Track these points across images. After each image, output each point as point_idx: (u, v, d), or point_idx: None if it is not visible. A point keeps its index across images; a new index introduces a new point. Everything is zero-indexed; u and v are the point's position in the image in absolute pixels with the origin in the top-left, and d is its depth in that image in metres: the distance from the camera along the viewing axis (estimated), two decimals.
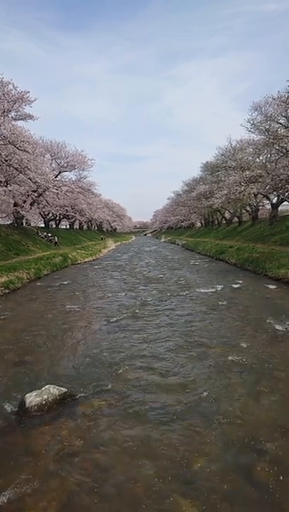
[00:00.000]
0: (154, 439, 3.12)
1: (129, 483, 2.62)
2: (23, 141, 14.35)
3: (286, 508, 2.36)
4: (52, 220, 31.13)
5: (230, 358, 4.93)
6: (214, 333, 6.14)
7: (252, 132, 16.99)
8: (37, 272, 13.91)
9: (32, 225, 28.81)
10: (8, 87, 13.99)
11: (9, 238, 18.40)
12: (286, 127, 15.34)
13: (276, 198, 21.83)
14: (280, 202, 21.86)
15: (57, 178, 23.08)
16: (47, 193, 20.87)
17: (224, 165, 24.48)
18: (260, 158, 19.73)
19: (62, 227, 37.22)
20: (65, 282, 12.78)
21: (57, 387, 3.87)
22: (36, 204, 22.28)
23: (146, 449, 3.00)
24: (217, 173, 27.40)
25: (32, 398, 3.67)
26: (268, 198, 22.84)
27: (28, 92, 14.41)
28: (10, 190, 16.06)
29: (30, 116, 15.63)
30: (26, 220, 25.58)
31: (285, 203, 21.76)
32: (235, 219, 31.67)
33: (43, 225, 30.54)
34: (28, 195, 19.57)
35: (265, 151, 18.58)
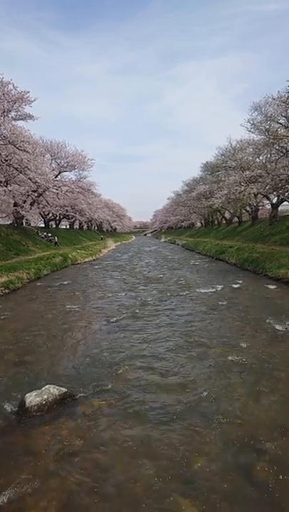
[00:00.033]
0: (154, 439, 3.12)
1: (129, 482, 2.62)
2: (23, 141, 14.36)
3: (286, 508, 2.36)
4: (52, 220, 31.14)
5: (230, 358, 4.93)
6: (214, 333, 6.14)
7: (252, 132, 17.02)
8: (37, 272, 13.92)
9: (32, 225, 28.82)
10: (8, 87, 14.01)
11: (9, 238, 18.41)
12: (286, 127, 15.35)
13: (276, 198, 21.84)
14: (280, 202, 21.87)
15: (57, 178, 23.09)
16: (47, 193, 20.88)
17: (224, 165, 24.49)
18: (260, 158, 19.74)
19: (62, 227, 37.23)
20: (65, 282, 12.78)
21: (57, 387, 3.87)
22: (36, 204, 22.29)
23: (147, 448, 3.01)
24: (217, 173, 27.40)
25: (32, 398, 3.67)
26: (268, 198, 22.85)
27: (28, 92, 14.42)
28: (10, 190, 16.07)
29: (30, 116, 15.64)
30: (26, 220, 25.59)
31: (285, 203, 21.77)
32: (235, 219, 31.68)
33: (43, 225, 30.55)
34: (28, 195, 19.58)
35: (265, 151, 18.58)
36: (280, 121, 15.66)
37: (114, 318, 7.31)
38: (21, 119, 15.74)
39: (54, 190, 19.89)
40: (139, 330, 6.45)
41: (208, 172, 32.74)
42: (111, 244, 40.33)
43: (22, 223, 23.87)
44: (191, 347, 5.46)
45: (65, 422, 3.44)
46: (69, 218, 34.02)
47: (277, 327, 6.35)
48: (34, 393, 3.74)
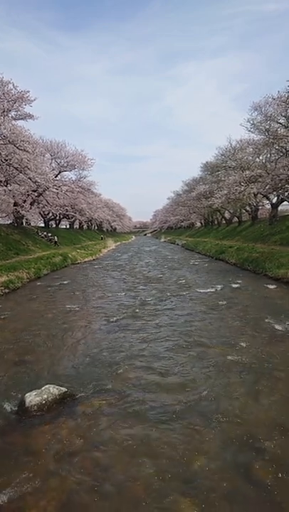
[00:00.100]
0: (154, 438, 3.13)
1: (129, 481, 2.63)
2: (23, 141, 14.35)
3: (285, 506, 2.37)
4: (52, 219, 31.13)
5: (229, 357, 4.94)
6: (214, 333, 6.15)
7: (252, 132, 17.04)
8: (37, 272, 13.92)
9: (32, 224, 28.82)
10: (8, 86, 14.00)
11: (9, 238, 18.41)
12: (286, 127, 15.36)
13: (276, 198, 21.85)
14: (280, 202, 21.88)
15: (57, 178, 23.08)
16: (47, 192, 20.88)
17: (224, 165, 24.49)
18: (260, 158, 19.75)
19: (62, 226, 37.23)
20: (65, 282, 12.79)
21: (57, 386, 3.88)
22: (36, 204, 22.28)
23: (146, 447, 3.02)
24: (217, 173, 27.41)
25: (32, 398, 3.68)
26: (268, 198, 22.86)
27: (28, 91, 14.42)
28: (10, 190, 16.07)
29: (30, 116, 15.65)
30: (26, 219, 25.58)
31: (285, 202, 21.77)
32: (235, 219, 31.69)
33: (43, 225, 30.55)
34: (28, 195, 19.58)
35: (265, 151, 18.60)
36: (280, 121, 15.67)
37: (114, 318, 7.32)
38: (21, 118, 15.75)
39: (54, 190, 19.89)
40: (138, 330, 6.46)
41: (208, 172, 32.73)
42: (111, 244, 40.34)
43: (22, 223, 23.87)
44: (191, 346, 5.47)
45: (65, 421, 3.44)
46: (69, 218, 34.02)
47: (277, 327, 6.36)
48: (34, 393, 3.75)
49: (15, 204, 19.03)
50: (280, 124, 15.67)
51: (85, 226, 45.38)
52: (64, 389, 3.88)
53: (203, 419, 3.41)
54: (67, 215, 31.59)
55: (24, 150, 14.58)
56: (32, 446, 3.09)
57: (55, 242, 25.17)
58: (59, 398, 3.75)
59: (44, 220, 30.20)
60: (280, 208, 23.48)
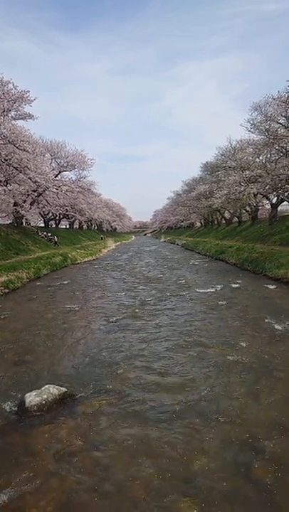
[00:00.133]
0: (154, 438, 3.14)
1: (129, 481, 2.63)
2: (22, 141, 14.35)
3: (284, 506, 2.38)
4: (52, 219, 31.13)
5: (229, 357, 4.95)
6: (213, 333, 6.15)
7: (252, 132, 17.03)
8: (37, 272, 13.92)
9: (32, 224, 28.83)
10: (8, 86, 13.99)
11: (9, 238, 18.41)
12: (286, 127, 15.36)
13: (276, 198, 21.85)
14: (280, 202, 21.88)
15: (57, 178, 23.07)
16: (47, 192, 20.88)
17: (224, 165, 24.49)
18: (260, 158, 19.74)
19: (62, 226, 37.22)
20: (64, 282, 12.79)
21: (56, 386, 3.88)
22: (36, 204, 22.28)
23: (146, 447, 3.02)
24: (217, 173, 27.41)
25: (32, 398, 3.68)
26: (268, 198, 22.87)
27: (28, 91, 14.41)
28: (10, 190, 16.07)
29: (30, 116, 15.64)
30: (26, 219, 25.59)
31: (285, 203, 21.79)
32: (235, 219, 31.68)
33: (42, 225, 30.54)
34: (28, 195, 19.59)
35: (265, 151, 18.59)
36: (280, 121, 15.67)
37: (114, 318, 7.32)
38: (21, 118, 15.74)
39: (54, 190, 19.89)
40: (138, 329, 6.46)
41: (208, 172, 32.73)
42: (111, 244, 40.33)
43: (22, 223, 23.86)
44: (191, 346, 5.47)
45: (65, 421, 3.45)
46: (69, 218, 34.02)
47: (277, 327, 6.36)
48: (34, 393, 3.75)
49: (15, 204, 19.03)
50: (280, 124, 15.68)
51: (84, 226, 45.38)
52: (64, 389, 3.88)
53: (203, 418, 3.42)
54: (67, 215, 31.59)
55: (24, 150, 14.58)
56: (32, 446, 3.09)
57: (55, 242, 25.17)
58: (59, 398, 3.75)
59: (44, 220, 30.20)
60: (279, 208, 23.49)
